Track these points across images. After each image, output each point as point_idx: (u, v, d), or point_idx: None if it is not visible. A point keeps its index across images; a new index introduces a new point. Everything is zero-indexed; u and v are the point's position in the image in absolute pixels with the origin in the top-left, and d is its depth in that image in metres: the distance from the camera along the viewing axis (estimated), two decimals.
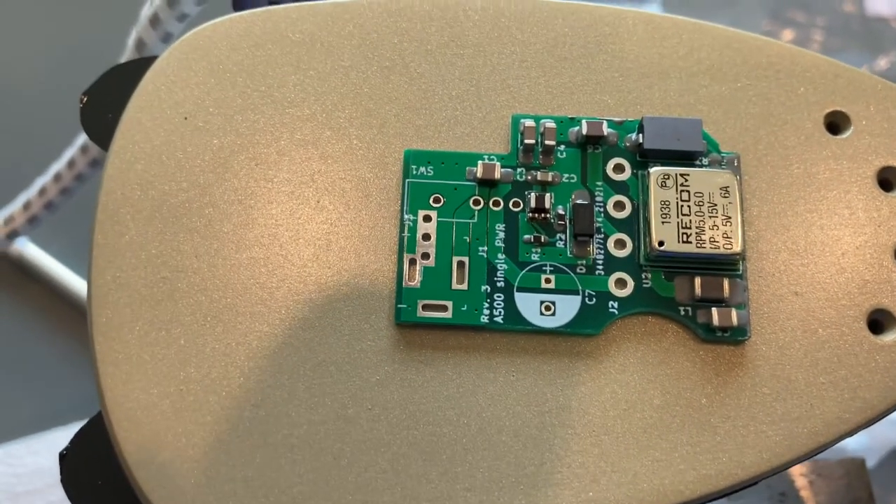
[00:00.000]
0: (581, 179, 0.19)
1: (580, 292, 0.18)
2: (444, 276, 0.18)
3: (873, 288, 0.18)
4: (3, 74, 0.49)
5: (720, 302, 0.18)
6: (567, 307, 0.18)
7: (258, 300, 0.18)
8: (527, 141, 0.19)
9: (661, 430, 0.17)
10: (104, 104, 0.20)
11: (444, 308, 0.18)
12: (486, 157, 0.19)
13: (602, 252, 0.18)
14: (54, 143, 0.38)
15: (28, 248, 0.46)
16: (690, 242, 0.18)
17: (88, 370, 0.18)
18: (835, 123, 0.20)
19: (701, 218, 0.18)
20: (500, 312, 0.18)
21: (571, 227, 0.18)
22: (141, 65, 0.20)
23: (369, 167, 0.19)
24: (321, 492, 0.17)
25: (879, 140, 0.19)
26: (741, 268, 0.18)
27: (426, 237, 0.18)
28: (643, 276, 0.18)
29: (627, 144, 0.19)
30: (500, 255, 0.18)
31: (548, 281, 0.18)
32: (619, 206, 0.19)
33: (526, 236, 0.18)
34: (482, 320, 0.18)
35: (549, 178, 0.19)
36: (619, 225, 0.18)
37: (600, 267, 0.18)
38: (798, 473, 0.29)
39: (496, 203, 0.19)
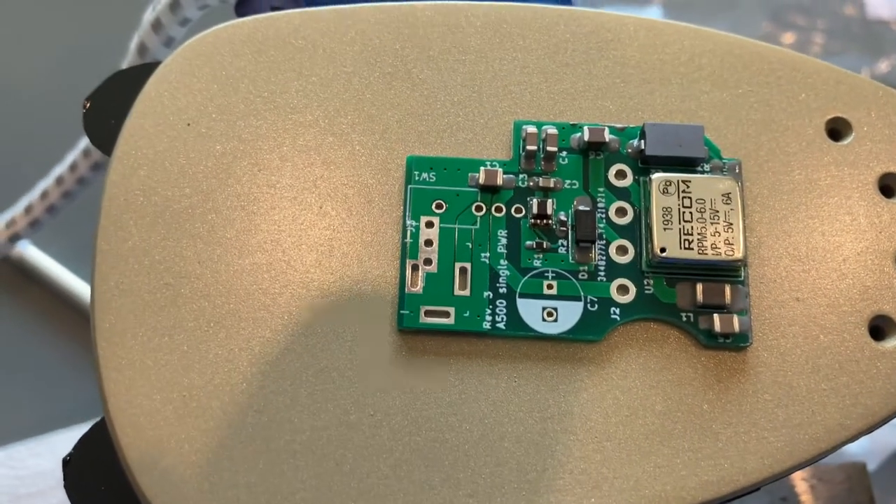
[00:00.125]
0: (583, 185, 0.19)
1: (582, 298, 0.18)
2: (447, 282, 0.18)
3: (874, 294, 0.18)
4: (4, 76, 0.49)
5: (722, 308, 0.18)
6: (569, 313, 0.18)
7: (261, 306, 0.18)
8: (529, 147, 0.19)
9: (663, 436, 0.17)
10: (107, 110, 0.20)
11: (447, 314, 0.18)
12: (488, 163, 0.19)
13: (604, 258, 0.18)
14: (56, 145, 0.38)
15: (29, 251, 0.46)
16: (692, 249, 0.18)
17: (90, 373, 0.18)
18: (836, 130, 0.20)
19: (703, 224, 0.18)
20: (502, 318, 0.18)
21: (573, 234, 0.18)
22: (144, 71, 0.20)
23: (372, 173, 0.19)
24: (323, 498, 0.17)
25: (881, 146, 0.19)
26: (743, 274, 0.18)
27: (428, 243, 0.18)
28: (645, 283, 0.18)
29: (629, 151, 0.19)
30: (502, 262, 0.18)
31: (550, 287, 0.18)
32: (621, 212, 0.19)
33: (528, 242, 0.18)
34: (484, 326, 0.18)
35: (551, 185, 0.19)
36: (621, 231, 0.18)
37: (602, 273, 0.18)
38: (799, 478, 0.29)
39: (498, 209, 0.19)
